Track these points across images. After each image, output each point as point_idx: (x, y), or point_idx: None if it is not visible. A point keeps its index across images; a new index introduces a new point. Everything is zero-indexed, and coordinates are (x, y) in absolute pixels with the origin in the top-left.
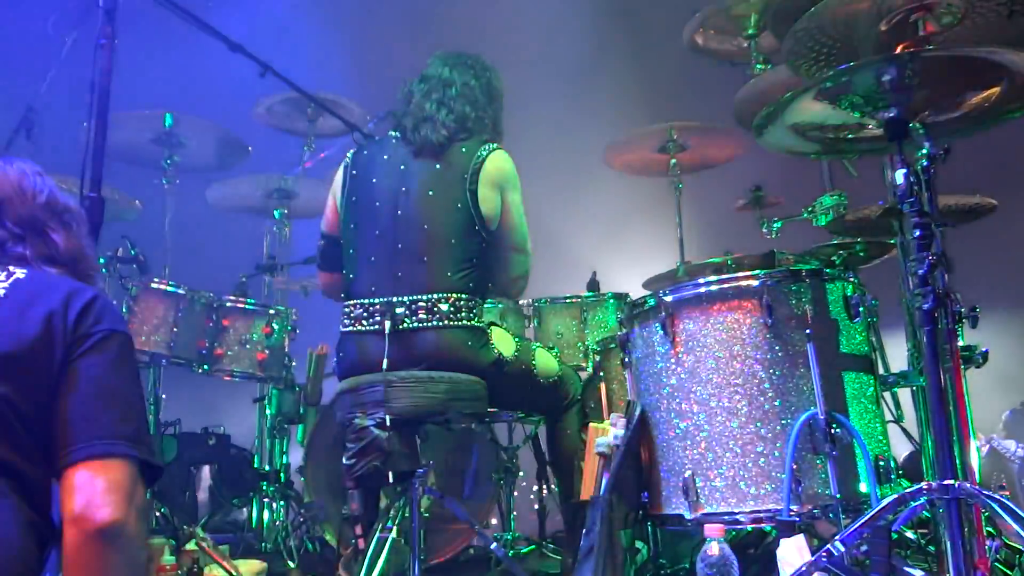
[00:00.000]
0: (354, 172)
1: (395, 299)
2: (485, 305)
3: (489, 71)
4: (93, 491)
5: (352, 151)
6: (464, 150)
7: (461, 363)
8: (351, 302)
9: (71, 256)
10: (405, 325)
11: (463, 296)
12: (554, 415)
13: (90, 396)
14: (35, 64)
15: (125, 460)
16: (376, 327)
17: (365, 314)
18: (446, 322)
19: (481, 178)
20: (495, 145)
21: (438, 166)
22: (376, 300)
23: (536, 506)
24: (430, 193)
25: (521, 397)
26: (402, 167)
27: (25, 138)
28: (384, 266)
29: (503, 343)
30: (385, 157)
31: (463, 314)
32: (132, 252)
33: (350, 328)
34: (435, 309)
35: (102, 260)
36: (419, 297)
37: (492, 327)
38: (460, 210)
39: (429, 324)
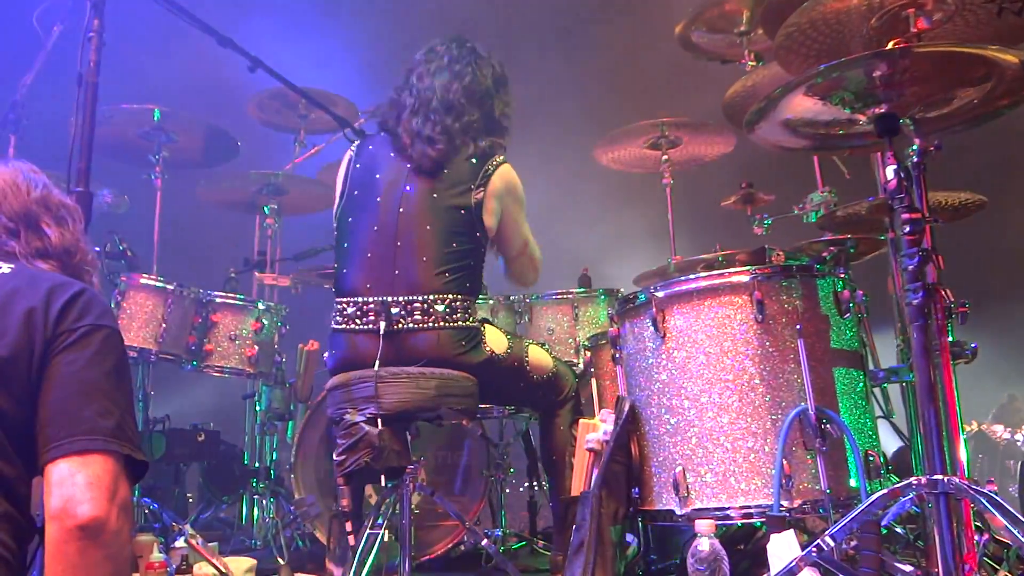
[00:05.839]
0: (357, 165)
1: (390, 298)
2: (477, 302)
3: (473, 66)
4: (74, 487)
5: (356, 143)
6: (474, 161)
7: (453, 361)
8: (344, 299)
9: (64, 250)
10: (400, 326)
11: (459, 297)
12: (548, 411)
13: (70, 392)
14: (20, 57)
15: (106, 455)
16: (370, 326)
17: (359, 312)
18: (441, 323)
19: (488, 190)
20: (502, 159)
21: (446, 171)
22: (371, 299)
23: (527, 502)
24: (435, 196)
25: (514, 392)
26: (408, 166)
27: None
28: (382, 263)
29: (495, 340)
30: (392, 155)
31: (458, 315)
32: (120, 247)
33: (342, 326)
34: (431, 310)
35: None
36: (415, 297)
37: (485, 325)
38: (464, 215)
39: (424, 326)
